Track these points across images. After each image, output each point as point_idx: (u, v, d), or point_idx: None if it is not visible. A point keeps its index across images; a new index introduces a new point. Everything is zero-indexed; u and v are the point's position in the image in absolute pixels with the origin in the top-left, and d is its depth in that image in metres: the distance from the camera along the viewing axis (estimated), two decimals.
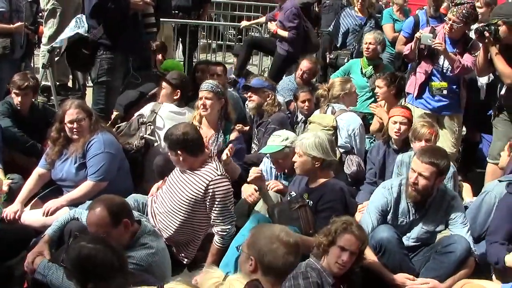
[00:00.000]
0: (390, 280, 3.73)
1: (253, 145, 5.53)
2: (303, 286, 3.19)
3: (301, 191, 4.11)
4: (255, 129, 5.52)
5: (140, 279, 2.82)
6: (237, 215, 4.05)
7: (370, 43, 6.43)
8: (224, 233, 3.92)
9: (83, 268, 2.70)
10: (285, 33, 6.96)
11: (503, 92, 4.90)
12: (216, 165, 3.98)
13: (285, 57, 7.08)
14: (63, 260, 2.81)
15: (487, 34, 4.64)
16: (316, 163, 4.02)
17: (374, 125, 5.86)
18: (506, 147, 4.40)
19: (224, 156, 4.39)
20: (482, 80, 5.64)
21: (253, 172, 4.15)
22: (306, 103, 5.63)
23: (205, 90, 4.77)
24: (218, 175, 3.90)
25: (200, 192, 3.89)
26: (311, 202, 3.99)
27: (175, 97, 5.22)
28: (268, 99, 5.46)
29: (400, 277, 3.74)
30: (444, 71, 5.25)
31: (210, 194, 3.88)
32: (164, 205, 4.06)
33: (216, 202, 3.89)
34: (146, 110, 5.03)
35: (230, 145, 4.51)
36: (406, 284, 3.73)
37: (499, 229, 3.89)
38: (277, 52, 7.15)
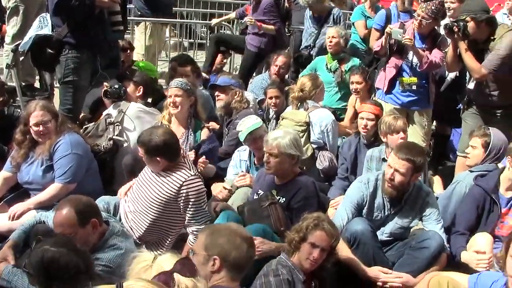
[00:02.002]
0: (363, 273, 3.72)
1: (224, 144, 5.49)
2: (274, 283, 3.16)
3: (268, 188, 4.08)
4: (225, 128, 5.49)
5: (108, 281, 2.76)
6: None
7: (332, 37, 6.38)
8: None
9: (47, 272, 2.64)
10: (271, 27, 6.90)
11: (471, 86, 4.95)
12: (189, 165, 3.93)
13: (256, 54, 7.06)
14: (25, 265, 2.74)
15: (456, 29, 4.71)
16: (292, 161, 4.02)
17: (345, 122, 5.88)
18: (479, 144, 4.39)
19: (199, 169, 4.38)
20: (450, 75, 5.70)
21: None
22: (273, 100, 5.58)
23: (175, 87, 4.72)
24: (191, 175, 3.85)
25: (173, 192, 3.84)
26: (283, 199, 3.97)
27: (137, 94, 5.21)
28: (235, 96, 5.44)
29: (373, 270, 3.74)
30: (414, 66, 5.28)
31: (184, 194, 3.82)
32: (135, 204, 4.00)
33: (191, 203, 3.83)
34: (113, 109, 4.95)
35: (202, 159, 4.49)
36: (380, 277, 3.73)
37: (462, 220, 3.99)
38: (248, 50, 7.12)
